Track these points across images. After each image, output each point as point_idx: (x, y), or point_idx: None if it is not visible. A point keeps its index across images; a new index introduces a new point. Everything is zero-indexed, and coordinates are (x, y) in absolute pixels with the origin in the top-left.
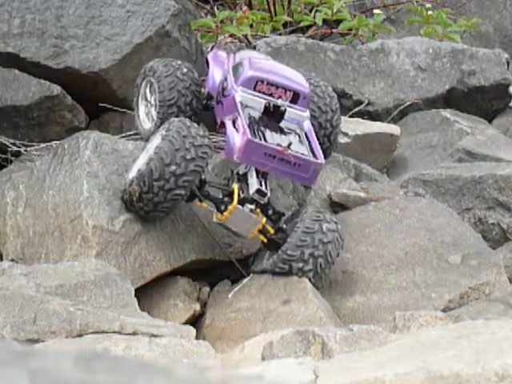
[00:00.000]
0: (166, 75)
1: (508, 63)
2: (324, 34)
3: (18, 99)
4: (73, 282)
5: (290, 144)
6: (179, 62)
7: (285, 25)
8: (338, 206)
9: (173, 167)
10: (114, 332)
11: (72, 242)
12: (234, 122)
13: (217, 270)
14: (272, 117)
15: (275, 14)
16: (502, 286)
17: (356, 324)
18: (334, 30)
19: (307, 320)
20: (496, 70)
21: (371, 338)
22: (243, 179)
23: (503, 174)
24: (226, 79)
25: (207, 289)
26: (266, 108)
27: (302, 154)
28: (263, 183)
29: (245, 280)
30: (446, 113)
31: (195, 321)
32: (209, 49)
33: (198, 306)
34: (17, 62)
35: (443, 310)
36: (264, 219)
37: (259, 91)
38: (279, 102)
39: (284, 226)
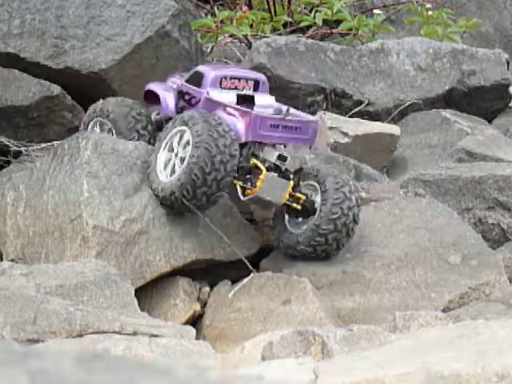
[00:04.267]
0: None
1: (508, 63)
2: (324, 35)
3: (17, 99)
4: (73, 282)
5: (288, 109)
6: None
7: (285, 25)
8: None
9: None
10: (114, 332)
11: (72, 242)
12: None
13: (217, 270)
14: (245, 106)
15: (275, 14)
16: (502, 286)
17: (356, 324)
18: (333, 30)
19: (307, 320)
20: (496, 69)
21: (371, 338)
22: (257, 156)
23: (503, 174)
24: (182, 94)
25: (207, 289)
26: (239, 99)
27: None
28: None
29: (245, 280)
30: (446, 113)
31: (195, 321)
32: (209, 49)
33: (198, 306)
34: (17, 62)
35: (443, 310)
36: (292, 182)
37: (225, 87)
38: (246, 91)
39: (308, 192)
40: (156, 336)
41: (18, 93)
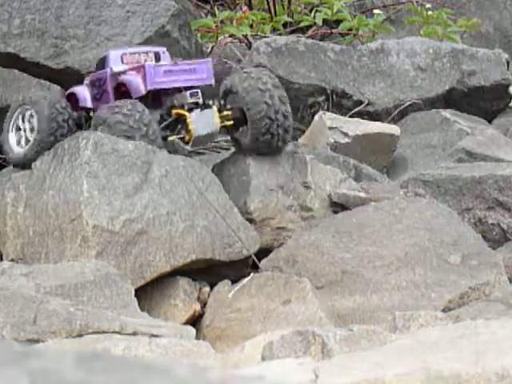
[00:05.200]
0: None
1: (508, 63)
2: (324, 34)
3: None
4: (73, 282)
5: (178, 59)
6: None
7: (285, 25)
8: (338, 206)
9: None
10: (113, 332)
11: (72, 242)
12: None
13: (217, 270)
14: None
15: (275, 14)
16: (502, 286)
17: (356, 324)
18: (333, 30)
19: (307, 320)
20: (496, 70)
21: (371, 338)
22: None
23: (503, 174)
24: (93, 83)
25: (207, 289)
26: None
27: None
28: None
29: (245, 280)
30: (446, 113)
31: (195, 321)
32: (209, 49)
33: (198, 306)
34: (17, 62)
35: (443, 310)
36: (215, 107)
37: (127, 63)
38: (149, 63)
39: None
40: (156, 336)
41: (18, 93)
